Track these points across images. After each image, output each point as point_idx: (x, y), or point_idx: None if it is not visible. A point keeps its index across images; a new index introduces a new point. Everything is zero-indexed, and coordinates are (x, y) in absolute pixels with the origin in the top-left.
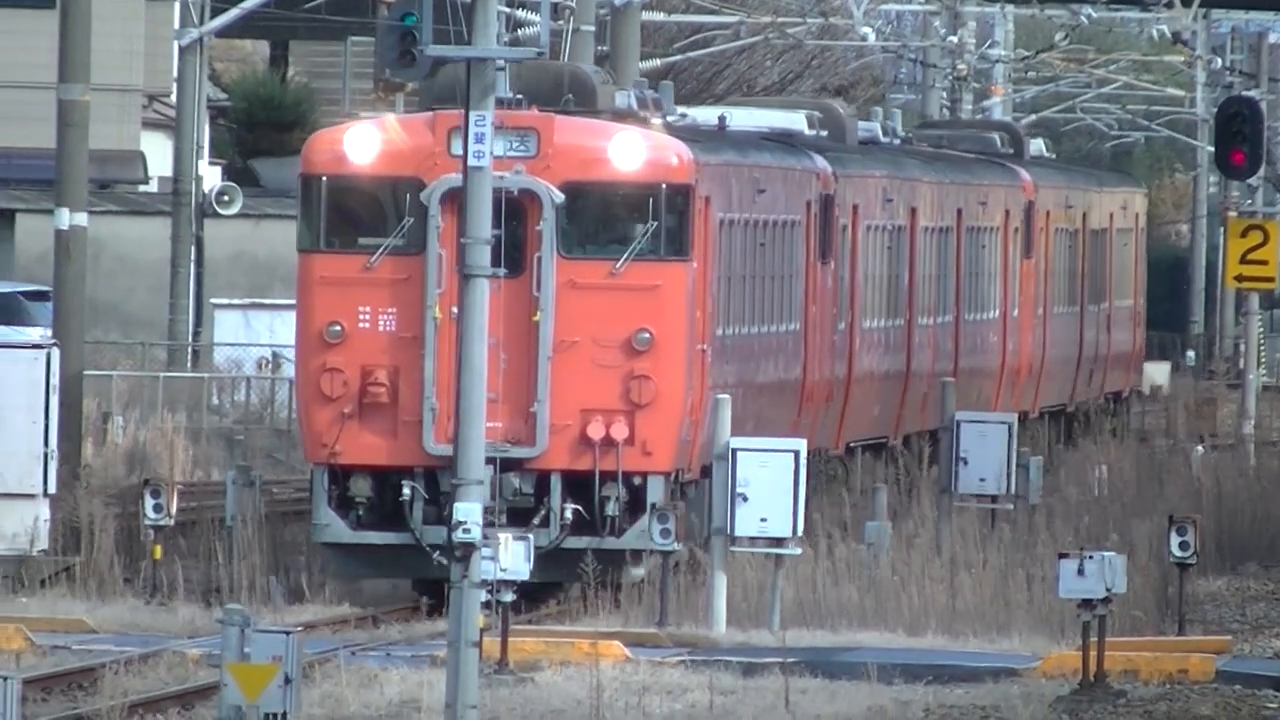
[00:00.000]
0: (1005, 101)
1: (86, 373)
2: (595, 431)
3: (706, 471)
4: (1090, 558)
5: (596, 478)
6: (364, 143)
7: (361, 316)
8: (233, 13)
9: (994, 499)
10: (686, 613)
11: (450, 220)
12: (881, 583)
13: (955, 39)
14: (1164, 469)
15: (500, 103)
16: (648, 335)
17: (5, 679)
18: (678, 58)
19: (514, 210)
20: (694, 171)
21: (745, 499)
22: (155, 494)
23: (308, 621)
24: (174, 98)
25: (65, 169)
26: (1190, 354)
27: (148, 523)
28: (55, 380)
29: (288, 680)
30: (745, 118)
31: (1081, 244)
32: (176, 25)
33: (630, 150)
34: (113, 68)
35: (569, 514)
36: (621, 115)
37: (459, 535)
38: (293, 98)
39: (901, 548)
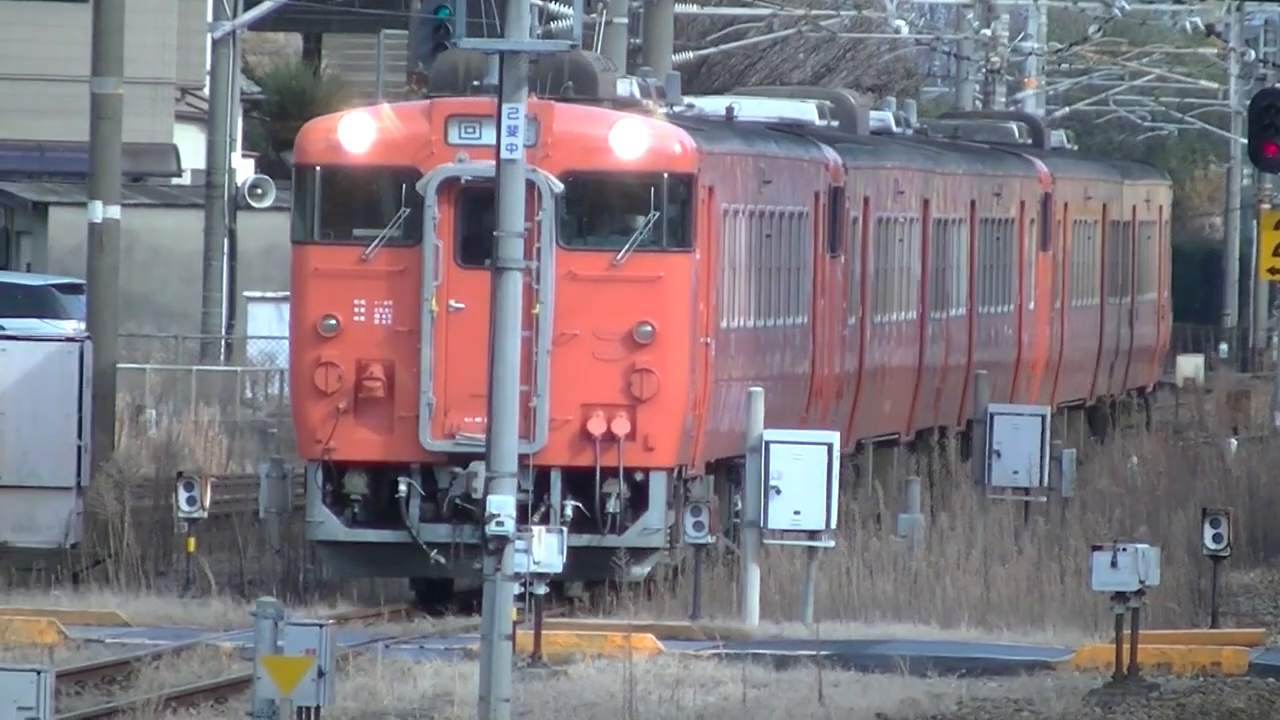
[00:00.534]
0: (1038, 94)
1: (120, 366)
2: (596, 426)
3: (711, 467)
4: (1123, 550)
5: (597, 474)
6: (359, 131)
7: (356, 309)
8: (266, 5)
9: (1027, 491)
10: (719, 605)
11: (447, 211)
12: (915, 575)
13: (988, 32)
14: (1197, 461)
15: (496, 90)
16: (649, 328)
17: (39, 672)
18: (710, 50)
19: None
20: (697, 160)
21: (779, 491)
22: (188, 487)
23: (341, 614)
24: (207, 91)
25: (98, 162)
26: (1223, 347)
27: (181, 516)
28: (88, 373)
29: (321, 673)
30: (754, 108)
31: (1102, 236)
32: (210, 18)
33: (632, 139)
34: (146, 61)
35: (569, 511)
36: (623, 104)
37: (492, 528)
38: (325, 91)
39: (935, 540)
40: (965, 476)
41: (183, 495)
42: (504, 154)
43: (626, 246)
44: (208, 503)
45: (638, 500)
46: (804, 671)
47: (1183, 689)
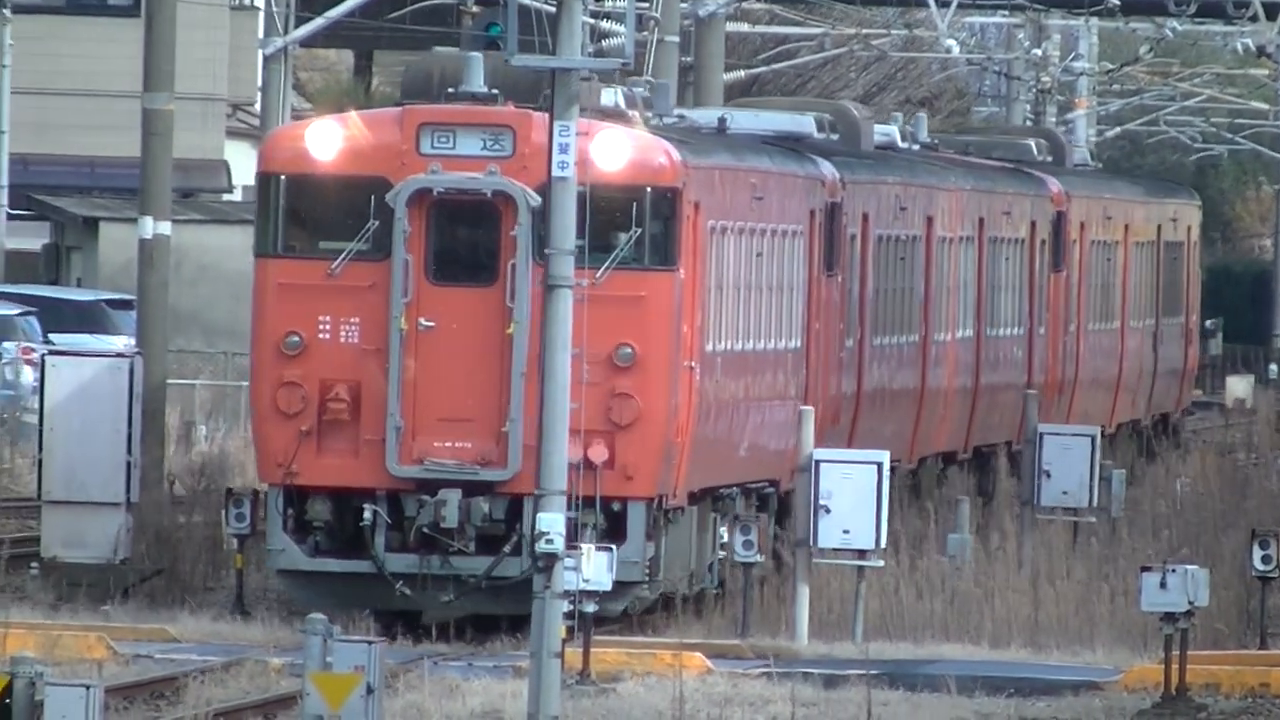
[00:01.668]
0: (1089, 114)
1: (169, 382)
2: (572, 453)
3: (694, 498)
4: (1172, 571)
5: (574, 503)
6: (326, 140)
7: (321, 327)
8: (317, 22)
9: (1076, 512)
10: (768, 624)
11: (418, 224)
12: (964, 595)
13: (1039, 51)
14: (1246, 482)
15: (473, 97)
16: (630, 350)
17: (88, 688)
18: (762, 69)
19: (487, 214)
20: (682, 174)
21: (828, 511)
22: (238, 503)
23: (390, 631)
24: (258, 107)
25: (149, 178)
26: (1273, 367)
27: (230, 532)
28: (138, 389)
29: (370, 690)
30: (750, 120)
31: (1123, 257)
32: (261, 34)
33: (613, 150)
34: (197, 76)
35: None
36: (606, 114)
37: (542, 546)
38: (377, 107)
39: (984, 560)
40: (1010, 497)
41: (232, 512)
42: (555, 171)
43: (606, 264)
44: (257, 519)
45: (616, 531)
46: (853, 691)
47: (1231, 710)
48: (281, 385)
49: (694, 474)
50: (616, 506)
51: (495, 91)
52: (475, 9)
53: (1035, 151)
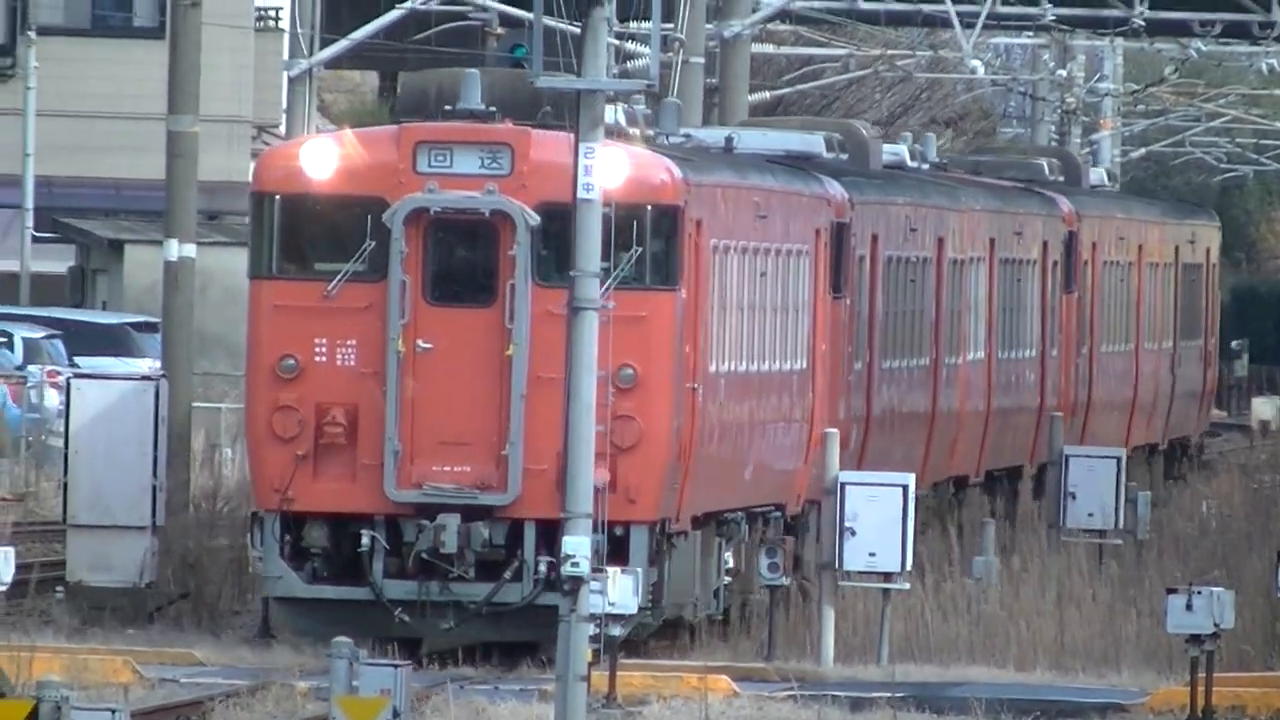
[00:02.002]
0: (1114, 135)
1: (195, 405)
2: None
3: (698, 522)
4: (1198, 593)
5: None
6: (321, 158)
7: (317, 349)
8: (342, 44)
9: (1102, 534)
10: (794, 647)
11: (415, 244)
12: (990, 617)
13: (1064, 72)
14: (1272, 504)
15: (471, 115)
16: (631, 371)
17: (113, 711)
18: (787, 90)
19: (485, 234)
20: (683, 192)
21: (854, 533)
22: (263, 527)
23: (416, 654)
24: (283, 129)
25: (174, 200)
26: None
27: (255, 555)
28: (164, 412)
29: (396, 714)
30: (758, 140)
31: (1137, 278)
32: (285, 56)
33: (613, 168)
34: (222, 99)
35: (544, 567)
36: (607, 131)
37: (568, 569)
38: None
39: (1009, 582)
40: (1035, 520)
41: (257, 535)
42: (580, 193)
43: (607, 284)
44: None
45: (617, 556)
46: (879, 713)
47: None
48: (277, 409)
49: (697, 497)
50: (619, 530)
51: (493, 109)
52: (500, 30)
53: (1048, 171)
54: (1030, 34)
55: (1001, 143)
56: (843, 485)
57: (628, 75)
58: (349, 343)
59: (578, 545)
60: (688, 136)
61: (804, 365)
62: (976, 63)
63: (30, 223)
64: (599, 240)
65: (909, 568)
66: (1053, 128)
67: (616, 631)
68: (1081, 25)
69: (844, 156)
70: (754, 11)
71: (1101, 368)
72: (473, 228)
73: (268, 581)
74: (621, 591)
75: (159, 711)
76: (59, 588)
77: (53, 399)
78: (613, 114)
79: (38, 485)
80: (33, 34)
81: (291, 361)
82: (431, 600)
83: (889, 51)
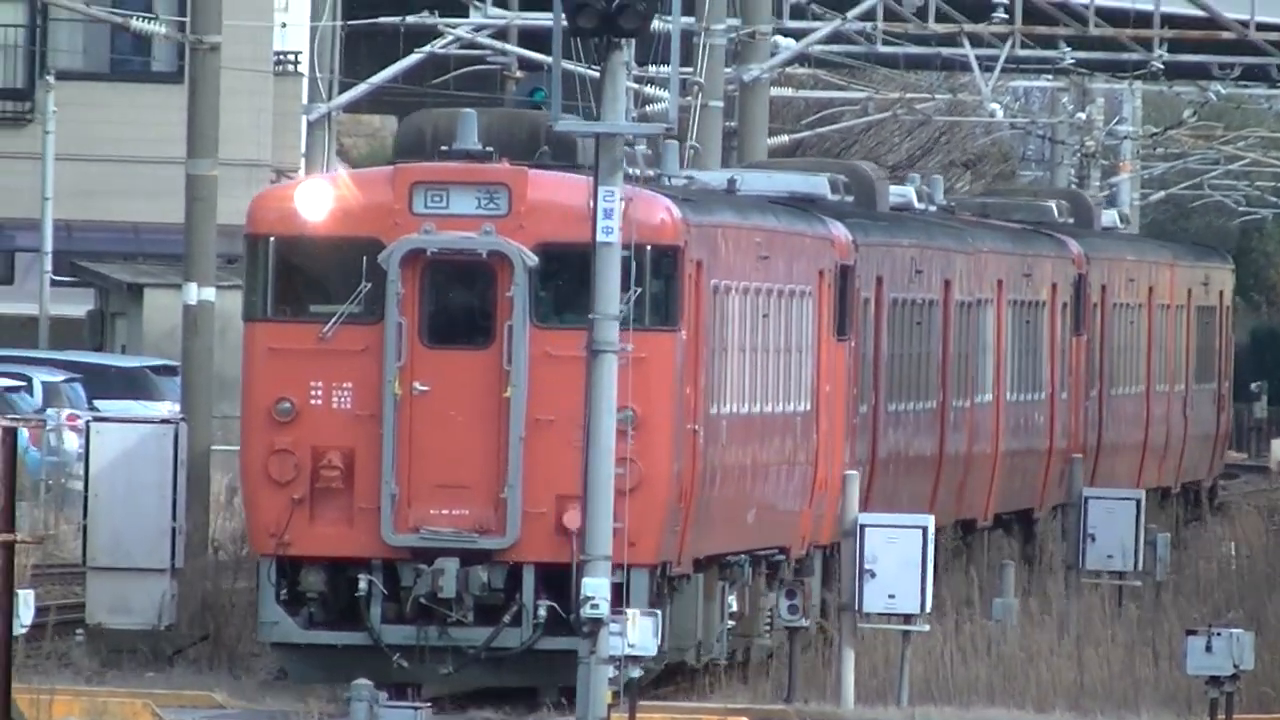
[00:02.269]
0: (1133, 178)
1: (214, 448)
2: (572, 520)
3: (699, 565)
4: (1218, 634)
5: (574, 571)
6: (316, 200)
7: (313, 392)
8: (360, 88)
9: (1121, 575)
10: (814, 689)
11: (412, 285)
12: (1009, 659)
13: (1083, 115)
14: None
15: (467, 155)
16: (631, 413)
17: None
18: (806, 134)
19: (482, 275)
20: (683, 232)
21: (873, 575)
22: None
23: (435, 696)
24: (302, 172)
25: (193, 243)
26: None
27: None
28: (183, 455)
29: None
30: (762, 181)
31: (1147, 321)
32: (304, 100)
33: None
34: (241, 142)
35: (543, 612)
36: None
37: (587, 611)
38: None
39: (1028, 624)
40: (1056, 560)
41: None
42: (600, 236)
43: None
44: None
45: (618, 600)
46: None
47: None
48: (273, 453)
49: (699, 541)
50: (619, 575)
51: (490, 149)
52: (519, 74)
53: (1056, 213)
54: (1049, 77)
55: (1018, 185)
56: (862, 527)
57: (647, 119)
58: (345, 385)
59: (598, 587)
60: (690, 178)
61: (808, 407)
62: (995, 106)
63: (49, 266)
64: (618, 283)
65: (929, 609)
66: (1072, 171)
67: (636, 673)
68: (1100, 68)
69: (849, 198)
70: (773, 55)
71: (1112, 410)
72: (470, 269)
73: (263, 627)
74: (641, 633)
75: None
76: (79, 630)
77: (72, 442)
78: None
79: (57, 528)
80: (51, 79)
81: (287, 405)
82: (430, 645)
83: (908, 95)
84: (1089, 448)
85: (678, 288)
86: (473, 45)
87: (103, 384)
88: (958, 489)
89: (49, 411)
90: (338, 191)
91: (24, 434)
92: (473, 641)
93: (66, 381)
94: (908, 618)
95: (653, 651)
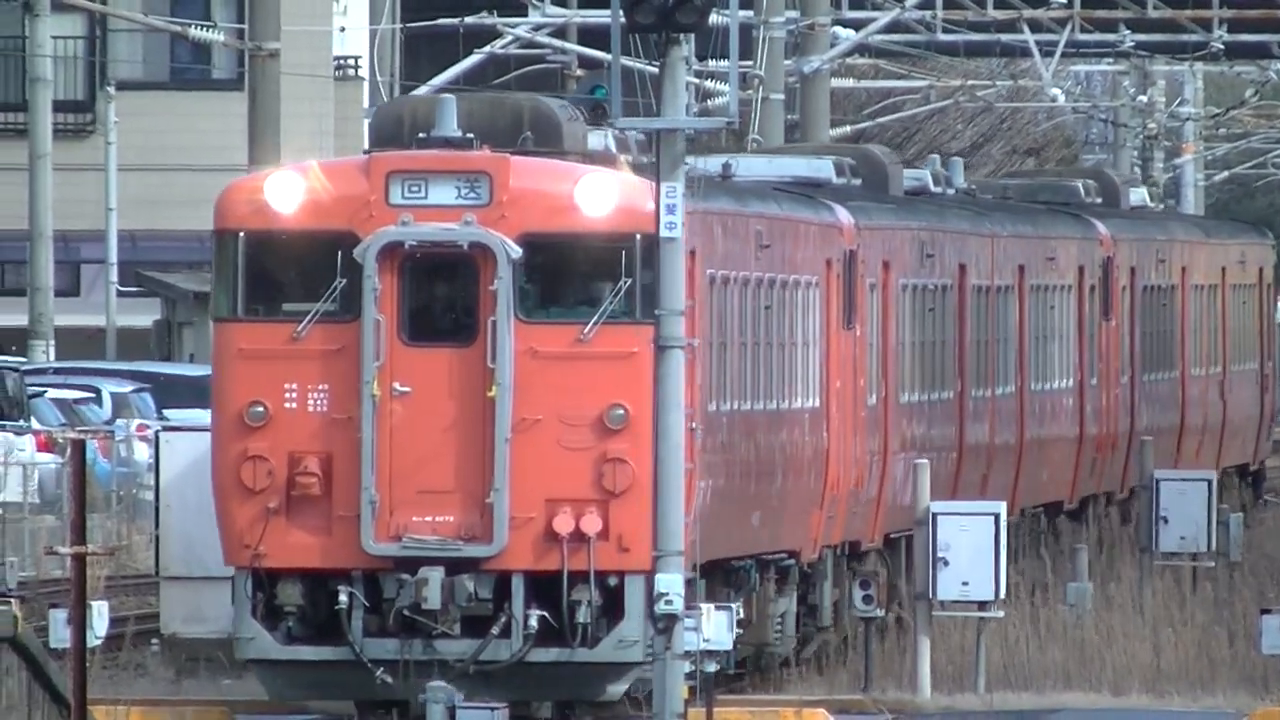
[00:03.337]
0: (1196, 159)
1: None
2: (563, 525)
3: (703, 570)
4: None
5: (565, 579)
6: (287, 192)
7: (288, 395)
8: (422, 90)
9: (1194, 556)
10: (890, 678)
11: (390, 280)
12: (1085, 643)
13: (1145, 98)
14: None
15: (447, 142)
16: (623, 411)
17: None
18: (868, 124)
19: (463, 268)
20: None
21: (946, 563)
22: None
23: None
24: None
25: None
26: None
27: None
28: None
29: None
30: (763, 166)
31: (1181, 303)
32: (365, 104)
33: (599, 195)
34: (302, 148)
35: (534, 622)
36: (594, 157)
37: (661, 607)
38: None
39: (1104, 607)
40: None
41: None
42: (664, 232)
43: (595, 318)
44: None
45: (612, 608)
46: None
47: None
48: (246, 459)
49: (701, 544)
50: (613, 581)
51: (470, 135)
52: (580, 72)
53: (1084, 193)
54: (1109, 60)
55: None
56: (934, 515)
57: (708, 114)
58: (321, 387)
59: (671, 583)
60: (687, 164)
61: (816, 403)
62: (1057, 91)
63: (115, 277)
64: (682, 279)
65: (1002, 596)
66: (1135, 154)
67: (712, 668)
68: (1160, 50)
69: (856, 182)
70: (832, 46)
71: (1144, 396)
72: (450, 262)
73: (240, 643)
74: (716, 628)
75: None
76: (154, 640)
77: (142, 452)
78: (600, 139)
79: (129, 539)
80: (112, 89)
81: (260, 408)
82: (415, 659)
83: (969, 82)
84: (1120, 435)
85: None
86: (532, 44)
87: (171, 393)
88: (980, 482)
89: (118, 422)
90: (309, 183)
91: (93, 445)
92: (459, 655)
93: (135, 392)
94: (982, 604)
95: (728, 645)
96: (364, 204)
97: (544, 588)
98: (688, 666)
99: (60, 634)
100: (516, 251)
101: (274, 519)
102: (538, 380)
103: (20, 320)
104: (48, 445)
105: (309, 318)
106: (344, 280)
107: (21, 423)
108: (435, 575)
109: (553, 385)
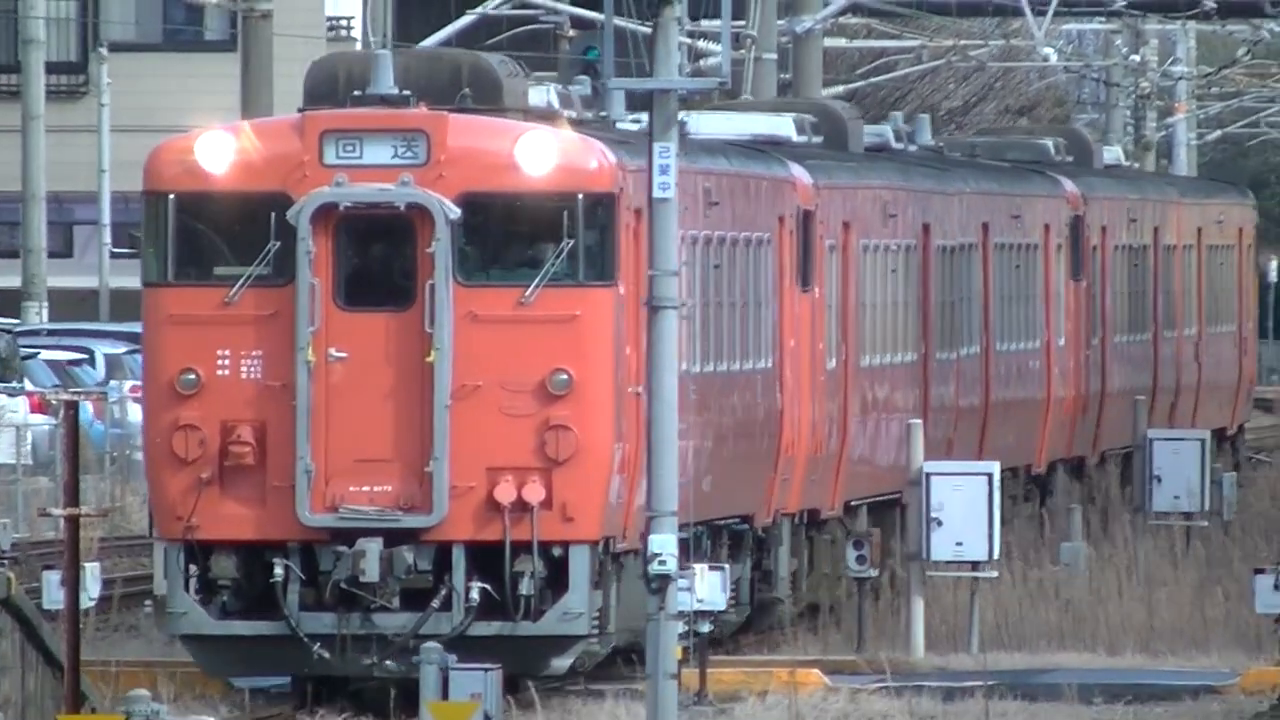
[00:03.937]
0: (1189, 118)
1: None
2: (505, 494)
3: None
4: None
5: (508, 550)
6: (217, 152)
7: (220, 361)
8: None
9: (1188, 516)
10: (884, 638)
11: (324, 243)
12: (1078, 603)
13: (1137, 57)
14: None
15: (382, 100)
16: (566, 376)
17: None
18: (860, 84)
19: (400, 229)
20: (618, 178)
21: (940, 523)
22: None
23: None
24: None
25: None
26: None
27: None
28: None
29: (487, 717)
30: (720, 123)
31: (1154, 262)
32: None
33: (540, 153)
34: (295, 109)
35: (475, 595)
36: (536, 114)
37: (655, 567)
38: None
39: (1097, 568)
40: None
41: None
42: (656, 193)
43: (536, 281)
44: None
45: (557, 580)
46: (971, 702)
47: None
48: (177, 428)
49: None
50: (557, 552)
51: (407, 93)
52: (572, 33)
53: (1053, 152)
54: (1102, 19)
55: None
56: (928, 476)
57: (700, 74)
58: (254, 354)
59: (664, 543)
60: (637, 121)
61: (769, 364)
62: (1049, 50)
63: (108, 239)
64: (675, 240)
65: (996, 556)
66: (1128, 113)
67: (706, 628)
68: (1153, 9)
69: (817, 139)
70: (825, 6)
71: (1114, 357)
72: (387, 223)
73: (171, 618)
74: (710, 588)
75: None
76: (147, 602)
77: (135, 414)
78: (543, 95)
79: (123, 500)
80: (104, 50)
81: (192, 376)
82: (353, 634)
83: (961, 41)
84: (1091, 397)
85: (614, 238)
86: (524, 5)
87: None
88: (945, 444)
89: (111, 384)
90: (242, 143)
91: (87, 407)
92: (398, 629)
93: (128, 353)
94: (975, 564)
95: (722, 605)
96: (297, 164)
97: (486, 559)
98: (707, 626)
99: (54, 596)
100: (455, 212)
101: (207, 490)
102: (478, 345)
103: (13, 282)
104: (41, 407)
105: (241, 282)
106: (277, 243)
107: (15, 384)
108: (373, 547)
109: (493, 350)
